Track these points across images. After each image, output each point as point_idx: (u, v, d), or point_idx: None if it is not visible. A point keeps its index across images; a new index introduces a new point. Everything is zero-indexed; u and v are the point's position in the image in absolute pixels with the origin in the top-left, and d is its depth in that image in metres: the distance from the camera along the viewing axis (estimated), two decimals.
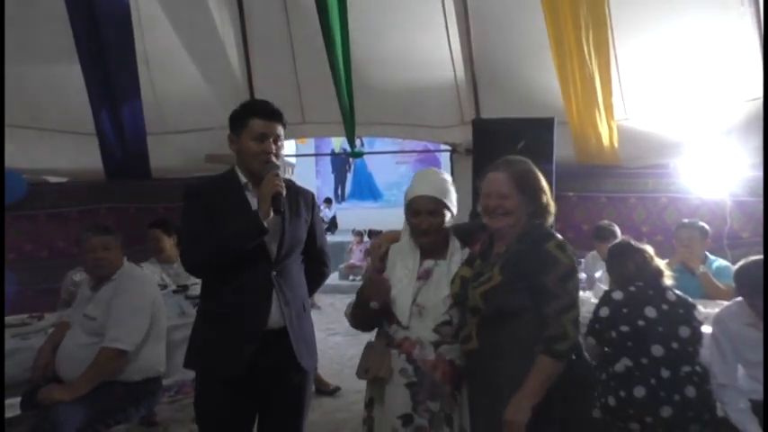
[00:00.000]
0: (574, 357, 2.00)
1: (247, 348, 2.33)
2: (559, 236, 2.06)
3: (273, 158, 2.34)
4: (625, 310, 2.61)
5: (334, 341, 6.42)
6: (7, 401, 3.28)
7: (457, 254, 2.23)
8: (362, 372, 2.25)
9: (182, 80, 5.28)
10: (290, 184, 2.45)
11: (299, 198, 2.47)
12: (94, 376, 2.91)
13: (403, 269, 2.24)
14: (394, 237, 2.34)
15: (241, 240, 2.29)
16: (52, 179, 5.41)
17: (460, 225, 2.30)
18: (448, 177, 2.30)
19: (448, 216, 2.22)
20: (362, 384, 5.01)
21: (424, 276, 2.22)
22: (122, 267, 3.13)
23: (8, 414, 3.34)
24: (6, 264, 4.98)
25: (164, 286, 4.13)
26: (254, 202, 2.33)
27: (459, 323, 2.13)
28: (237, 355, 2.33)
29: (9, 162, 4.80)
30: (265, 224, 2.26)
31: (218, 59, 5.43)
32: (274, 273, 2.35)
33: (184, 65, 5.29)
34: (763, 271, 2.50)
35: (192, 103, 5.29)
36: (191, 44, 5.30)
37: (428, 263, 2.24)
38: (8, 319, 3.72)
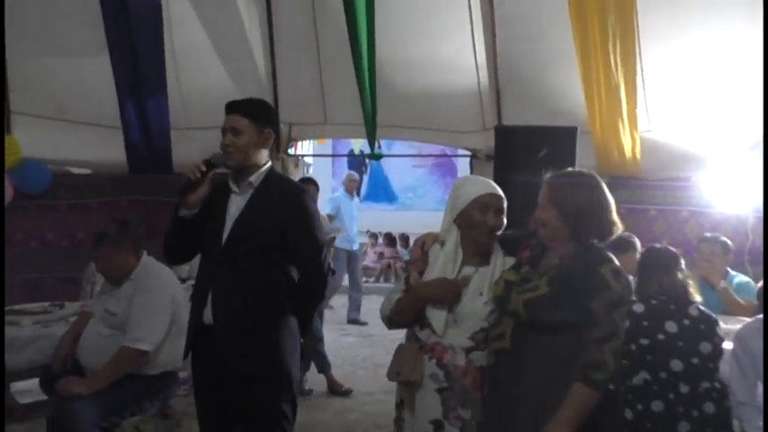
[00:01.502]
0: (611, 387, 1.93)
1: (187, 338, 2.44)
2: (616, 261, 1.98)
3: (231, 150, 2.34)
4: (645, 324, 2.59)
5: (347, 342, 6.43)
6: (25, 383, 3.33)
7: (500, 262, 2.18)
8: (394, 374, 2.21)
9: (207, 77, 5.33)
10: (269, 177, 2.42)
11: (274, 195, 2.39)
12: (114, 373, 2.94)
13: (442, 274, 2.18)
14: (435, 239, 2.28)
15: (170, 226, 2.41)
16: (76, 170, 5.49)
17: (507, 234, 2.24)
18: None
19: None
20: (374, 386, 5.03)
21: (462, 284, 2.16)
22: (139, 266, 3.11)
23: (27, 400, 3.40)
24: (28, 251, 5.08)
25: (183, 280, 4.17)
26: (233, 197, 2.39)
27: (495, 321, 2.08)
28: (186, 342, 2.46)
29: (36, 153, 4.90)
30: (185, 213, 2.32)
31: (244, 58, 5.46)
32: (217, 267, 2.33)
33: (211, 62, 5.33)
34: None
35: (217, 101, 5.23)
36: (218, 42, 5.34)
37: (468, 269, 2.19)
38: (30, 306, 3.79)
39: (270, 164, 2.48)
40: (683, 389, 2.49)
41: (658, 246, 3.05)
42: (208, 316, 2.34)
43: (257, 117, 2.40)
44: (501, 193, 2.22)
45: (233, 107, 2.41)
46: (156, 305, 3.04)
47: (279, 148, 5.72)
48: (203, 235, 2.39)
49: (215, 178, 2.37)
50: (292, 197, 2.42)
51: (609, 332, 1.90)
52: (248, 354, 2.33)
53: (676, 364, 2.51)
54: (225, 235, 2.34)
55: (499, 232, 2.21)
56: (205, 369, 2.40)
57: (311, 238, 2.41)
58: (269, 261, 2.36)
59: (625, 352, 2.60)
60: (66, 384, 2.90)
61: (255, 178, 2.40)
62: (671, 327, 2.56)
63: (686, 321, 2.58)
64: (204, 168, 2.30)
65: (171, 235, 2.45)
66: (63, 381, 2.93)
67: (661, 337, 2.55)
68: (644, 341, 2.56)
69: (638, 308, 2.64)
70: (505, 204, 2.21)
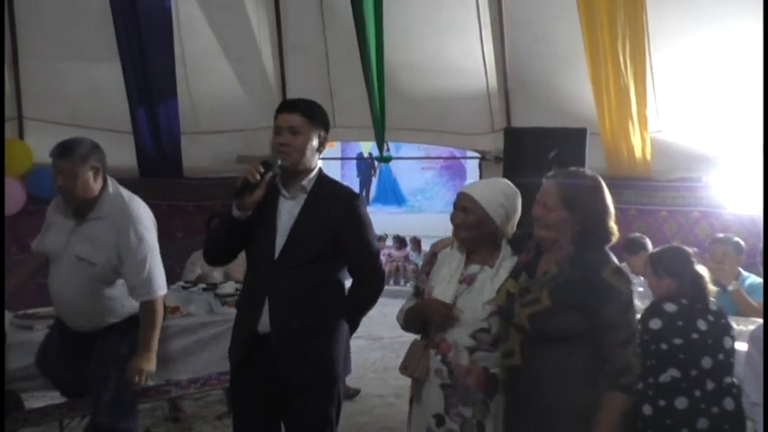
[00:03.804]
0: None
1: (239, 345, 2.37)
2: (614, 260, 1.96)
3: (288, 150, 2.23)
4: (680, 323, 2.55)
5: (357, 345, 6.40)
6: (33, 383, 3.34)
7: (507, 262, 2.20)
8: (403, 368, 2.27)
9: (217, 81, 5.37)
10: (320, 181, 2.33)
11: (327, 199, 2.33)
12: (155, 332, 2.77)
13: (447, 270, 2.23)
14: (449, 242, 2.32)
15: (218, 225, 2.39)
16: None
17: (515, 232, 2.26)
18: (507, 189, 2.25)
19: (482, 218, 2.18)
20: (384, 389, 5.00)
21: (467, 281, 2.19)
22: (105, 200, 2.73)
23: (39, 404, 3.43)
24: None
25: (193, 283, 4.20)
26: (283, 201, 2.31)
27: (501, 336, 2.08)
28: (233, 350, 2.40)
29: (48, 158, 4.92)
30: (238, 214, 2.22)
31: (254, 62, 5.50)
32: (273, 276, 2.27)
33: (220, 66, 5.37)
34: None
35: (226, 105, 5.37)
36: (227, 46, 5.39)
37: (473, 267, 2.21)
38: (42, 310, 3.77)
39: (320, 167, 2.39)
40: (709, 385, 2.47)
41: (675, 244, 3.03)
42: (263, 325, 2.28)
43: (314, 118, 2.30)
44: (476, 194, 2.19)
45: (291, 106, 2.31)
46: (149, 251, 2.73)
47: None
48: (250, 238, 2.33)
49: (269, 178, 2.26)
50: (345, 203, 2.33)
51: (628, 335, 1.92)
52: (304, 362, 2.30)
53: (706, 362, 2.49)
54: (279, 243, 2.27)
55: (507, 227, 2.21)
56: (254, 377, 2.34)
57: (366, 245, 2.37)
58: (323, 267, 2.32)
59: (653, 351, 2.58)
60: (134, 369, 2.71)
61: (308, 182, 2.32)
62: (701, 325, 2.54)
63: (711, 318, 2.57)
64: (262, 170, 2.20)
65: (219, 235, 2.39)
66: (130, 369, 2.72)
67: (695, 335, 2.51)
68: (677, 340, 2.51)
69: (670, 307, 2.60)
70: (481, 204, 2.17)
